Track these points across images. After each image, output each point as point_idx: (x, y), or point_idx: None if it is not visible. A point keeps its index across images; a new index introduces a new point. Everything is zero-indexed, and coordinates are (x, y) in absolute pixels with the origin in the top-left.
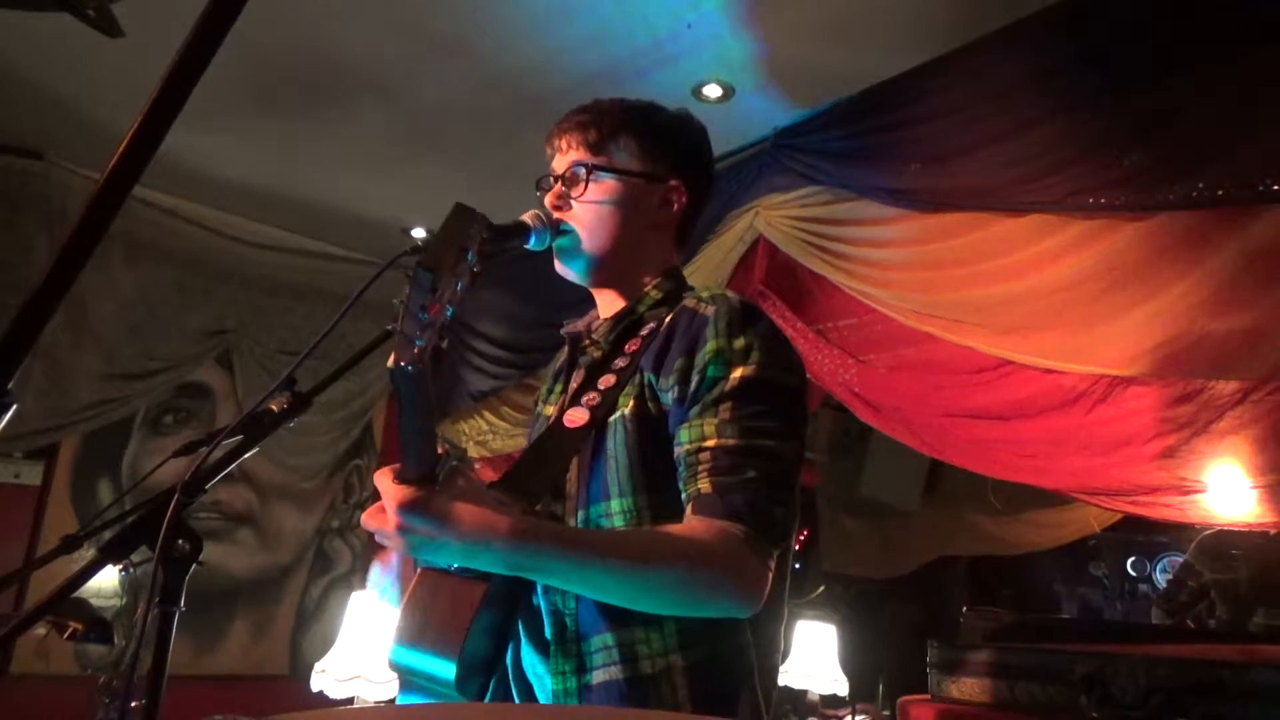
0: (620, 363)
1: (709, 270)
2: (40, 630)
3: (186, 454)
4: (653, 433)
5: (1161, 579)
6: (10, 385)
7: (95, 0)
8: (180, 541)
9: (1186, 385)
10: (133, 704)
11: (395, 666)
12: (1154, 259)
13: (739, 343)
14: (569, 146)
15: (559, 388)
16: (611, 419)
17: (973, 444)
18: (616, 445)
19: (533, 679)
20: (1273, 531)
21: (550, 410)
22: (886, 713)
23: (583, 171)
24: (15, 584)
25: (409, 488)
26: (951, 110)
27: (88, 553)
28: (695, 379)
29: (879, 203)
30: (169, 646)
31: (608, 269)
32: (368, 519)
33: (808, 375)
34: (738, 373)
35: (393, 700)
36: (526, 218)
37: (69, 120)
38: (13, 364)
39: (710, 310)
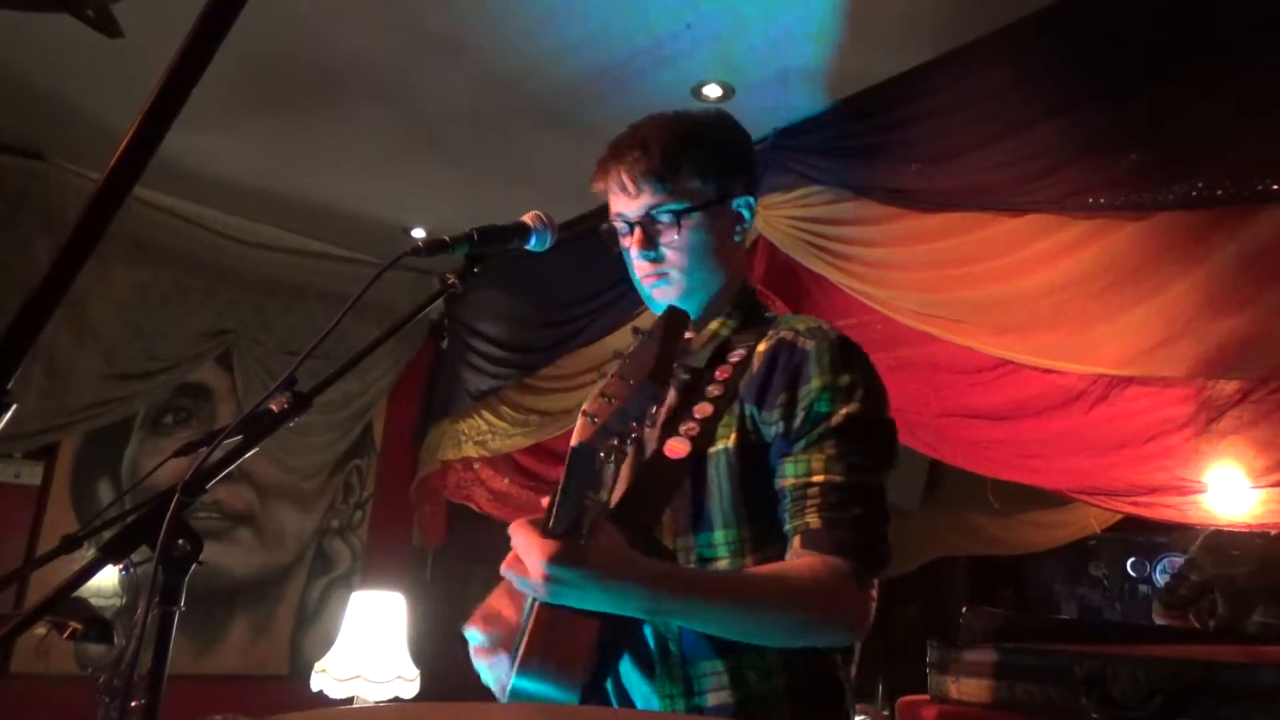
0: (715, 390)
1: None
2: (40, 630)
3: (186, 454)
4: (755, 465)
5: (1161, 579)
6: (10, 385)
7: (95, 0)
8: (180, 541)
9: (1186, 385)
10: (133, 704)
11: (517, 694)
12: (1153, 259)
13: (844, 379)
14: (635, 188)
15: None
16: (714, 450)
17: (972, 444)
18: (720, 477)
19: (636, 698)
20: (1273, 532)
21: None
22: (886, 713)
23: (669, 218)
24: (15, 584)
25: (556, 541)
26: (951, 110)
27: (88, 553)
28: (800, 414)
29: (879, 203)
30: (169, 646)
31: (702, 299)
32: (507, 567)
33: None
34: (843, 410)
35: (395, 699)
36: (527, 218)
37: (69, 120)
38: (13, 364)
39: (810, 345)
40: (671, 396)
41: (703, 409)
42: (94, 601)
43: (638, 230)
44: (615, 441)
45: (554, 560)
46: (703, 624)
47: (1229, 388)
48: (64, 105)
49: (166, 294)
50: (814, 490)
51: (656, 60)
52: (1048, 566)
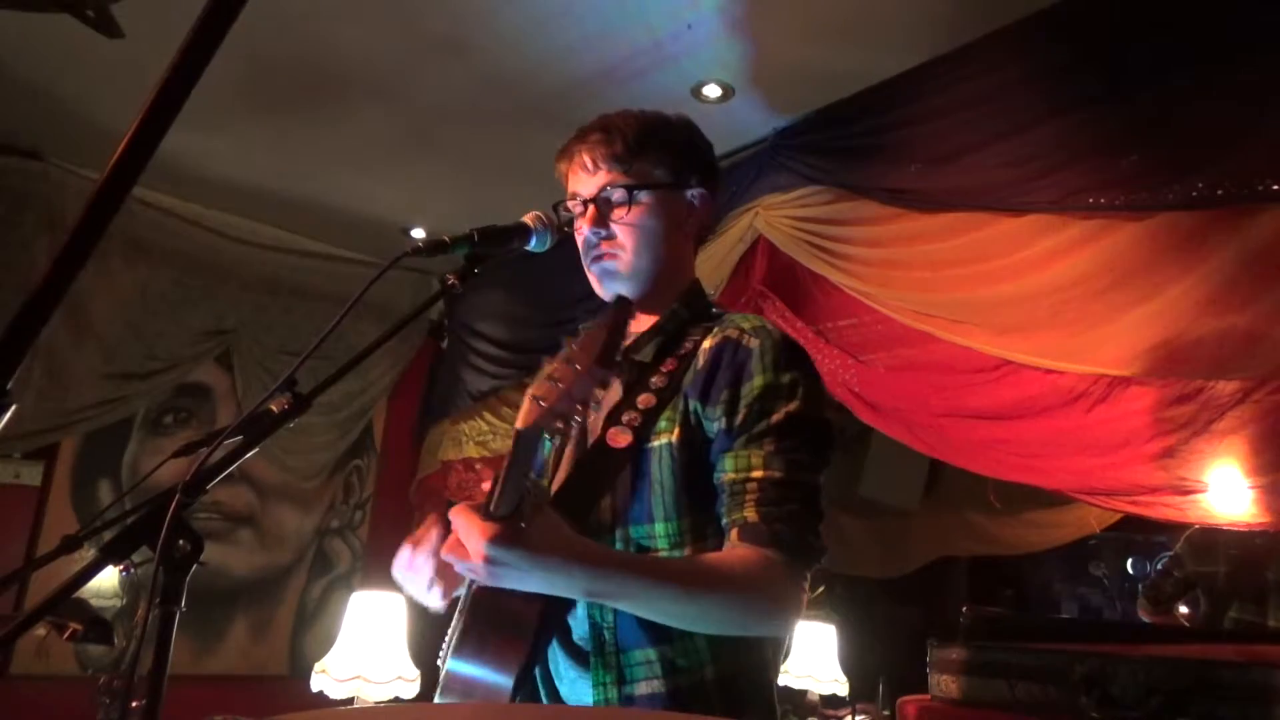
0: (658, 382)
1: (709, 270)
2: (40, 630)
3: (186, 454)
4: (696, 459)
5: None
6: (10, 385)
7: (95, 0)
8: (181, 542)
9: (1186, 385)
10: (133, 704)
11: (451, 676)
12: (1153, 259)
13: (785, 378)
14: (595, 167)
15: None
16: (656, 444)
17: (973, 444)
18: (661, 470)
19: (565, 684)
20: (1271, 531)
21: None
22: (886, 713)
23: (622, 193)
24: (15, 584)
25: (496, 524)
26: (951, 110)
27: (88, 553)
28: (743, 411)
29: (879, 203)
30: (169, 646)
31: (648, 284)
32: (448, 551)
33: None
34: (784, 409)
35: (395, 699)
36: (528, 219)
37: (69, 120)
38: (13, 364)
39: (755, 344)
40: (616, 387)
41: (646, 400)
42: (94, 602)
43: (591, 208)
44: (560, 425)
45: (494, 542)
46: (639, 606)
47: (1229, 388)
48: (64, 105)
49: (166, 294)
50: (753, 485)
51: (656, 60)
52: (1048, 566)
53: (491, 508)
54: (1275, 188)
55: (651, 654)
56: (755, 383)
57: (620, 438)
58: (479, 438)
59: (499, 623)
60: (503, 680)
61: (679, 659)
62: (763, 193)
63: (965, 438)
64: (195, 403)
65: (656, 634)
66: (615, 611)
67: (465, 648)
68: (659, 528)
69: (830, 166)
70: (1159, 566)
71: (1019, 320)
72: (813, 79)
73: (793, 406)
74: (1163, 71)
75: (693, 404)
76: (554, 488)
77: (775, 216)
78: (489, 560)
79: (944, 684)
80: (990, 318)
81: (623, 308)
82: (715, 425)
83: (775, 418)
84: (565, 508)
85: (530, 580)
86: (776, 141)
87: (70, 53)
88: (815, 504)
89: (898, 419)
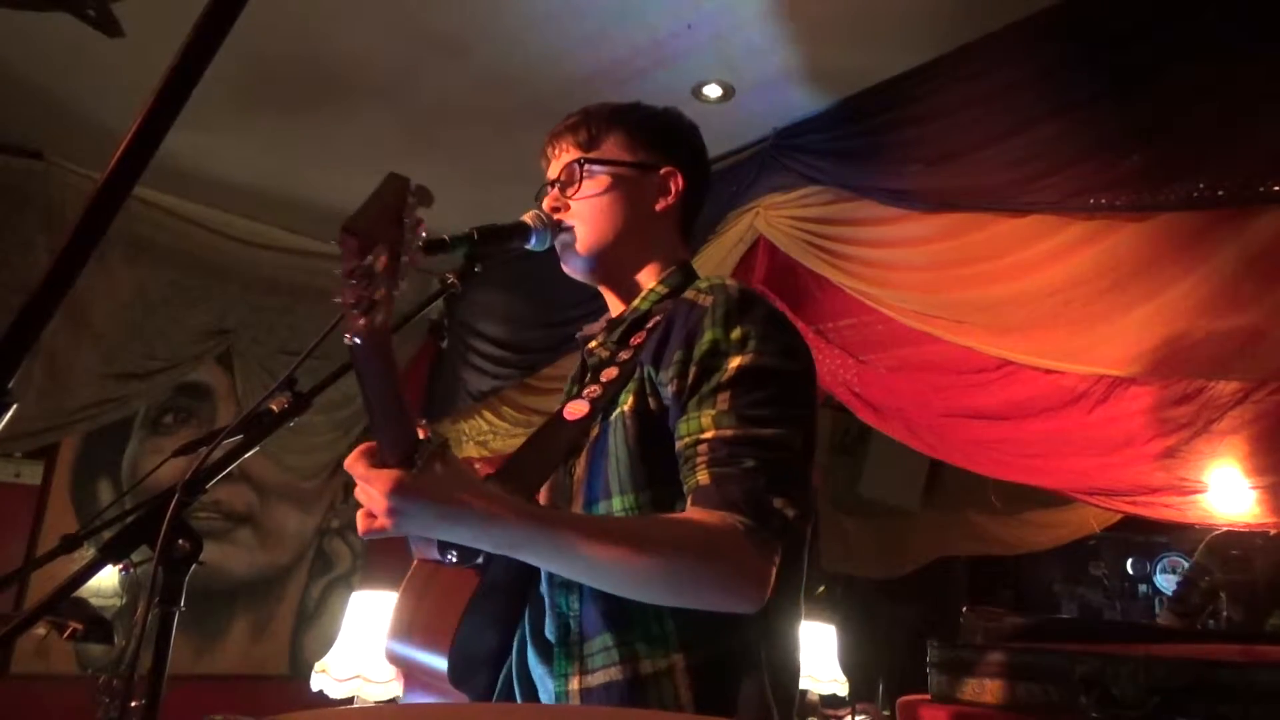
0: (624, 355)
1: (709, 270)
2: (40, 630)
3: (186, 454)
4: (653, 429)
5: (1162, 579)
6: (10, 385)
7: (95, 0)
8: (180, 541)
9: (1186, 385)
10: (133, 704)
11: (393, 658)
12: (1154, 259)
13: (736, 333)
14: (562, 151)
15: (574, 390)
16: (613, 416)
17: (973, 444)
18: (617, 442)
19: (536, 680)
20: (1273, 531)
21: None
22: (886, 713)
23: (577, 168)
24: (15, 584)
25: (392, 471)
26: (952, 110)
27: (88, 553)
28: (693, 371)
29: (879, 203)
30: (169, 646)
31: (610, 263)
32: (358, 494)
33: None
34: (735, 362)
35: (395, 699)
36: (527, 218)
37: (69, 120)
38: (13, 364)
39: (708, 301)
40: (589, 374)
41: (609, 372)
42: (94, 601)
43: (553, 188)
44: (360, 314)
45: (392, 491)
46: (565, 565)
47: (1229, 388)
48: (64, 105)
49: (166, 294)
50: (703, 447)
51: (656, 60)
52: (1048, 566)
53: (381, 455)
54: (1275, 188)
55: (609, 640)
56: (705, 339)
57: (577, 409)
58: (479, 437)
59: (431, 596)
60: (434, 660)
61: (641, 645)
62: (763, 193)
63: (965, 438)
64: (195, 402)
65: (617, 619)
66: (580, 599)
67: (398, 626)
68: (616, 502)
69: (830, 166)
70: (1177, 575)
71: (1019, 320)
72: (813, 79)
73: (746, 359)
74: (1163, 71)
75: (647, 370)
76: (505, 461)
77: (775, 216)
78: (390, 510)
79: (944, 684)
80: (991, 318)
81: (392, 183)
82: (668, 390)
83: (726, 374)
84: (511, 478)
85: (435, 528)
86: (776, 141)
87: (70, 53)
88: (779, 461)
89: (898, 419)
